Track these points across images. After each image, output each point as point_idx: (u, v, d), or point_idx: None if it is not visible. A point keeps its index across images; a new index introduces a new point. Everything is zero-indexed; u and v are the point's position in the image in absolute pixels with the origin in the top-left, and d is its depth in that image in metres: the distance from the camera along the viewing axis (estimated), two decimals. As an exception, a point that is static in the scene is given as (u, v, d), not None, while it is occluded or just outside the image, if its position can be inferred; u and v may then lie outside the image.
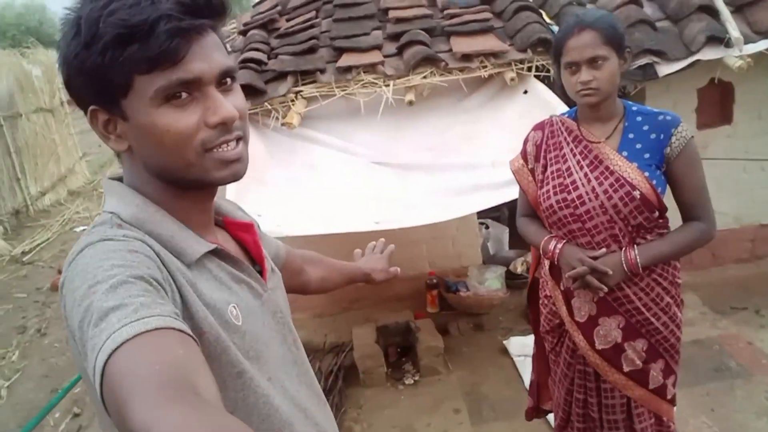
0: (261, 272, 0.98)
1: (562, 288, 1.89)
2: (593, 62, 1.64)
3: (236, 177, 0.85)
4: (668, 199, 1.77)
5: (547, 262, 1.95)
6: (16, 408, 3.59)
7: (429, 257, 4.03)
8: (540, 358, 2.19)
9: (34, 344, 4.47)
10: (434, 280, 3.81)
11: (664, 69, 3.11)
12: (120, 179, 0.89)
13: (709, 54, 3.05)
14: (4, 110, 7.77)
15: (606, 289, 1.72)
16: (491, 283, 3.66)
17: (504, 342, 3.42)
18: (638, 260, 1.70)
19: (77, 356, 0.72)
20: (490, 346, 3.46)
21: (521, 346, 3.26)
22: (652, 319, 1.78)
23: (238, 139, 0.84)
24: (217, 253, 0.89)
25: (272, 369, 0.91)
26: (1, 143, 7.60)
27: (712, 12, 3.18)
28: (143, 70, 0.75)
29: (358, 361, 3.26)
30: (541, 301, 2.03)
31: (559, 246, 1.81)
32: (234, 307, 0.85)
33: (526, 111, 2.97)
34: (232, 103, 0.81)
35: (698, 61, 3.07)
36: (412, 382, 3.25)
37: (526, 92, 3.12)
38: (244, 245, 1.01)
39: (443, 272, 3.94)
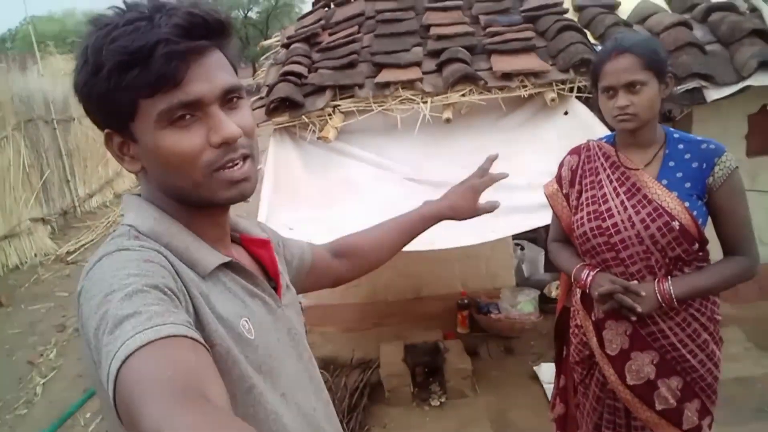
0: (276, 288, 0.99)
1: (593, 318, 1.82)
2: (631, 87, 1.59)
3: (244, 196, 0.86)
4: (709, 231, 1.69)
5: (578, 291, 1.88)
6: (50, 406, 3.68)
7: (461, 277, 3.97)
8: (568, 390, 2.11)
9: (71, 343, 4.58)
10: (466, 301, 3.75)
11: (713, 94, 3.00)
12: (140, 195, 0.92)
13: (760, 80, 2.93)
14: (58, 114, 8.08)
15: (639, 309, 1.63)
16: (524, 306, 3.58)
17: (534, 368, 3.33)
18: (672, 291, 1.63)
19: (90, 365, 0.74)
20: (520, 372, 3.37)
21: (551, 374, 3.13)
22: (689, 357, 1.70)
23: (245, 157, 0.85)
24: (232, 267, 0.90)
25: (286, 385, 0.91)
26: (53, 145, 7.89)
27: (765, 36, 3.06)
28: (146, 94, 0.77)
29: (384, 379, 3.22)
30: (571, 331, 1.96)
31: (592, 274, 1.75)
32: (246, 320, 0.86)
33: (566, 133, 2.91)
34: (237, 121, 0.82)
35: (749, 86, 2.95)
36: (439, 403, 3.20)
37: (566, 113, 3.05)
38: (261, 261, 1.02)
39: (475, 293, 3.87)
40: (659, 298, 1.64)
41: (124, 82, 0.76)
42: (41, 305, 5.38)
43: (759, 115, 3.46)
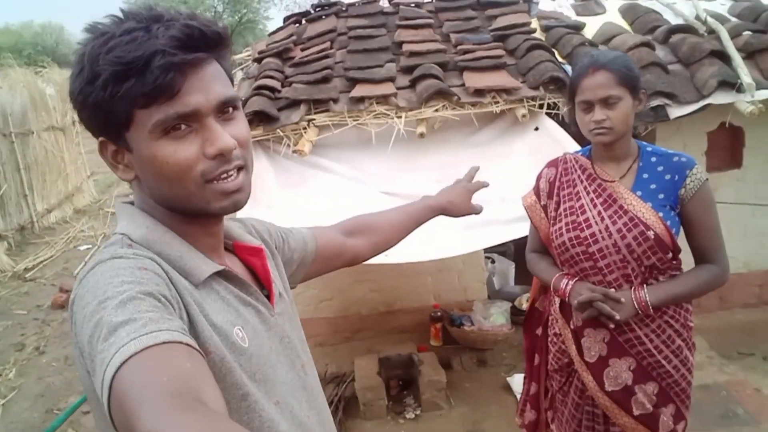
0: (269, 297, 0.99)
1: (572, 326, 1.87)
2: (606, 102, 1.65)
3: (237, 207, 0.86)
4: (681, 241, 1.76)
5: (557, 300, 1.93)
6: (10, 427, 3.54)
7: (434, 290, 4.01)
8: (531, 396, 2.15)
9: (31, 362, 4.43)
10: (438, 313, 3.79)
11: (676, 111, 3.12)
12: (132, 203, 0.92)
13: (720, 98, 3.07)
14: (16, 127, 7.84)
15: (618, 317, 1.68)
16: (496, 318, 3.63)
17: (507, 379, 3.37)
18: (647, 299, 1.68)
19: (84, 374, 0.73)
20: (493, 383, 3.41)
21: (525, 384, 3.21)
22: (664, 362, 1.75)
23: (239, 169, 0.85)
24: (225, 275, 0.90)
25: (281, 393, 0.91)
26: (11, 159, 7.65)
27: (724, 57, 3.21)
28: (141, 104, 0.77)
29: (359, 392, 3.22)
30: (549, 339, 2.00)
31: (571, 283, 1.80)
32: (240, 329, 0.86)
33: (536, 148, 2.99)
34: (232, 132, 0.83)
35: (709, 105, 3.09)
36: (413, 416, 3.21)
37: (537, 129, 3.13)
38: (253, 269, 1.02)
39: (448, 305, 3.91)
40: (636, 305, 1.70)
41: (119, 92, 0.76)
42: (-2, 324, 5.19)
43: (717, 132, 3.61)
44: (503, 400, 3.26)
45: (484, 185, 1.61)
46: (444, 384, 3.25)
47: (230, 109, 0.84)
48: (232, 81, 0.88)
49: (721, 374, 3.30)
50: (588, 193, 1.80)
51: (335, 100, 3.21)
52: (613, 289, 1.74)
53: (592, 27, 3.79)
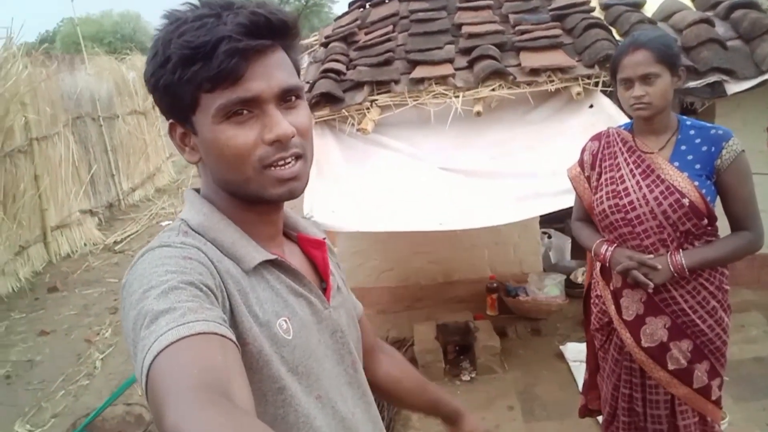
0: (326, 289, 0.99)
1: (611, 288, 2.02)
2: (646, 79, 1.78)
3: (293, 195, 0.87)
4: (718, 210, 1.87)
5: (598, 264, 2.08)
6: (109, 377, 3.99)
7: (490, 262, 4.18)
8: (591, 358, 2.31)
9: (124, 324, 4.90)
10: (494, 284, 3.95)
11: (733, 87, 3.14)
12: (198, 190, 0.95)
13: (779, 74, 3.06)
14: (104, 111, 8.49)
15: (652, 285, 1.83)
16: (550, 289, 3.77)
17: (560, 347, 3.52)
18: (683, 262, 1.82)
19: (133, 357, 0.75)
20: (547, 351, 3.57)
21: (577, 352, 3.35)
22: (698, 321, 1.88)
23: (297, 157, 0.85)
24: (278, 265, 0.90)
25: (324, 387, 0.91)
26: (100, 142, 8.31)
27: (786, 31, 3.19)
28: (207, 88, 0.79)
29: (418, 355, 3.44)
30: (592, 301, 2.16)
31: (611, 249, 1.95)
32: (285, 320, 0.86)
33: (591, 124, 3.07)
34: (292, 121, 0.84)
35: (768, 80, 3.09)
36: (469, 378, 3.41)
37: (591, 106, 3.22)
38: (314, 261, 1.02)
39: (504, 277, 4.07)
40: (672, 268, 1.83)
41: (187, 75, 0.78)
42: (94, 290, 5.74)
43: (779, 107, 3.57)
44: (555, 366, 3.42)
45: None
46: (498, 349, 3.43)
47: (293, 97, 0.85)
48: (298, 71, 0.89)
49: (776, 348, 3.33)
50: (628, 164, 1.94)
51: (396, 82, 3.41)
52: (650, 254, 1.88)
53: (653, 4, 3.80)
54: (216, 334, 0.68)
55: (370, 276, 4.06)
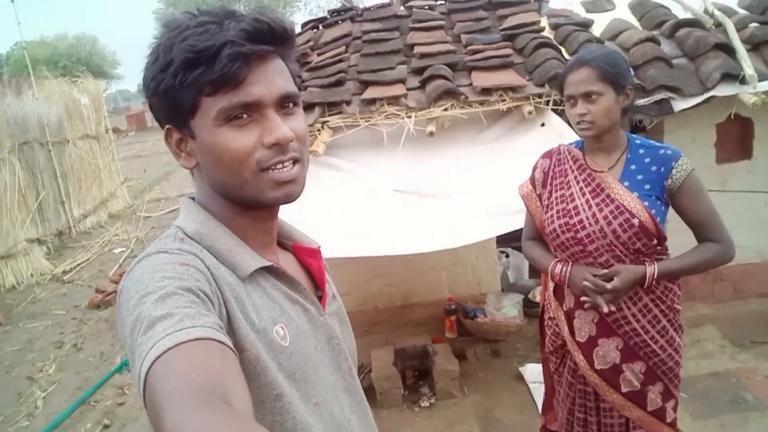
0: (322, 297, 0.99)
1: (564, 309, 1.97)
2: (588, 97, 1.76)
3: (289, 198, 0.87)
4: (675, 227, 1.85)
5: (551, 284, 2.04)
6: (50, 418, 3.76)
7: (448, 283, 4.12)
8: (547, 378, 2.25)
9: (70, 358, 4.67)
10: (453, 306, 3.89)
11: (680, 104, 3.19)
12: (193, 198, 0.96)
13: (723, 90, 3.12)
14: (53, 136, 8.22)
15: (605, 310, 1.79)
16: (508, 310, 3.73)
17: (520, 369, 3.47)
18: (655, 270, 1.79)
19: (130, 363, 0.75)
20: (506, 373, 3.51)
21: (536, 373, 3.30)
22: (650, 342, 1.85)
23: (295, 161, 0.87)
24: (274, 272, 0.91)
25: (321, 394, 0.91)
26: (48, 167, 8.03)
27: (729, 50, 3.26)
28: (208, 91, 0.81)
29: (375, 382, 3.34)
30: (545, 323, 2.11)
31: (567, 269, 1.90)
32: (282, 327, 0.86)
33: (542, 143, 3.07)
34: (291, 126, 0.85)
35: (714, 97, 3.14)
36: (428, 404, 3.32)
37: (543, 125, 3.22)
38: (309, 270, 1.03)
39: (462, 298, 4.02)
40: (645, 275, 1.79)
41: (189, 78, 0.80)
42: (39, 323, 5.47)
43: (726, 124, 3.64)
44: (515, 388, 3.36)
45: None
46: (457, 373, 3.36)
47: (291, 104, 0.87)
48: (294, 79, 0.91)
49: (732, 362, 3.34)
50: (578, 182, 1.90)
51: (348, 103, 3.36)
52: (605, 269, 1.84)
53: (601, 23, 3.86)
54: (214, 340, 0.68)
55: (326, 301, 3.95)
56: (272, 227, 0.96)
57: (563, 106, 3.25)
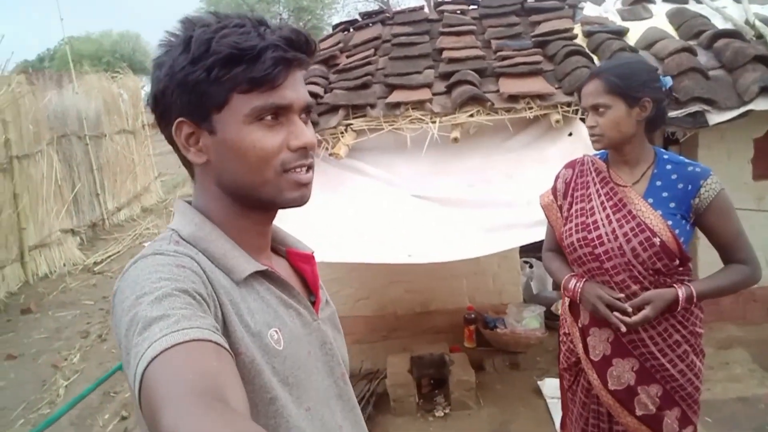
0: (315, 302, 1.00)
1: (579, 325, 1.91)
2: (596, 109, 1.72)
3: (303, 201, 0.90)
4: (701, 249, 1.77)
5: (567, 300, 1.97)
6: (71, 406, 3.83)
7: (469, 292, 4.06)
8: (564, 394, 2.19)
9: (94, 349, 4.77)
10: (472, 315, 3.83)
11: (715, 117, 3.08)
12: (190, 202, 0.96)
13: (762, 104, 3.01)
14: (91, 130, 8.42)
15: (623, 329, 1.72)
16: (529, 321, 3.65)
17: (539, 382, 3.39)
18: (693, 291, 1.72)
19: (125, 363, 0.76)
20: (524, 386, 3.44)
21: (554, 388, 3.20)
22: (668, 366, 1.77)
23: (309, 167, 0.90)
24: (268, 276, 0.91)
25: (313, 399, 0.91)
26: (85, 160, 8.22)
27: (768, 62, 3.14)
28: (243, 89, 0.82)
29: (390, 389, 3.31)
30: (560, 338, 2.05)
31: (580, 285, 1.84)
32: (276, 331, 0.86)
33: (569, 153, 2.99)
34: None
35: (751, 111, 3.02)
36: (443, 414, 3.28)
37: (570, 134, 3.15)
38: (303, 275, 1.04)
39: (482, 308, 3.95)
40: (680, 297, 1.71)
41: (226, 75, 0.81)
42: (68, 312, 5.60)
43: (764, 138, 3.51)
44: (533, 403, 3.29)
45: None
46: (473, 384, 3.30)
47: (307, 114, 0.91)
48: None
49: (761, 387, 3.21)
50: (599, 196, 1.84)
51: (372, 106, 3.33)
52: (621, 291, 1.77)
53: (636, 32, 3.76)
54: (210, 341, 0.68)
55: (345, 304, 3.93)
56: (268, 231, 0.97)
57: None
